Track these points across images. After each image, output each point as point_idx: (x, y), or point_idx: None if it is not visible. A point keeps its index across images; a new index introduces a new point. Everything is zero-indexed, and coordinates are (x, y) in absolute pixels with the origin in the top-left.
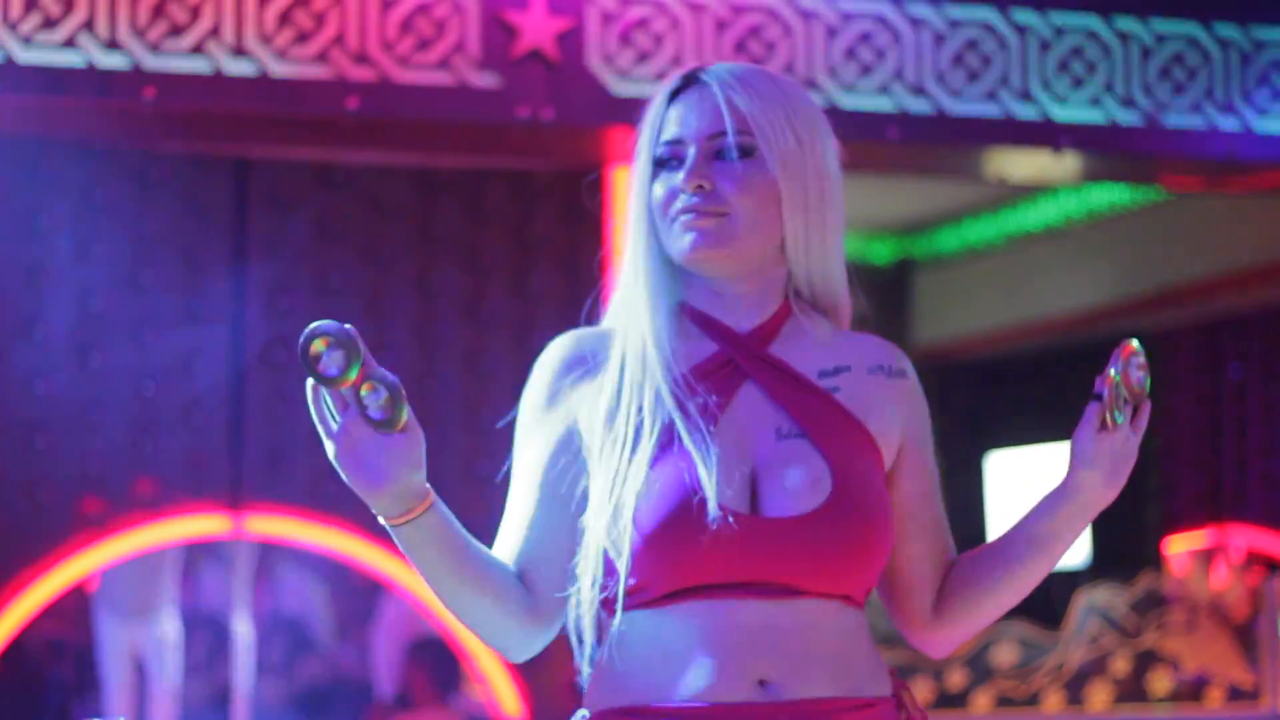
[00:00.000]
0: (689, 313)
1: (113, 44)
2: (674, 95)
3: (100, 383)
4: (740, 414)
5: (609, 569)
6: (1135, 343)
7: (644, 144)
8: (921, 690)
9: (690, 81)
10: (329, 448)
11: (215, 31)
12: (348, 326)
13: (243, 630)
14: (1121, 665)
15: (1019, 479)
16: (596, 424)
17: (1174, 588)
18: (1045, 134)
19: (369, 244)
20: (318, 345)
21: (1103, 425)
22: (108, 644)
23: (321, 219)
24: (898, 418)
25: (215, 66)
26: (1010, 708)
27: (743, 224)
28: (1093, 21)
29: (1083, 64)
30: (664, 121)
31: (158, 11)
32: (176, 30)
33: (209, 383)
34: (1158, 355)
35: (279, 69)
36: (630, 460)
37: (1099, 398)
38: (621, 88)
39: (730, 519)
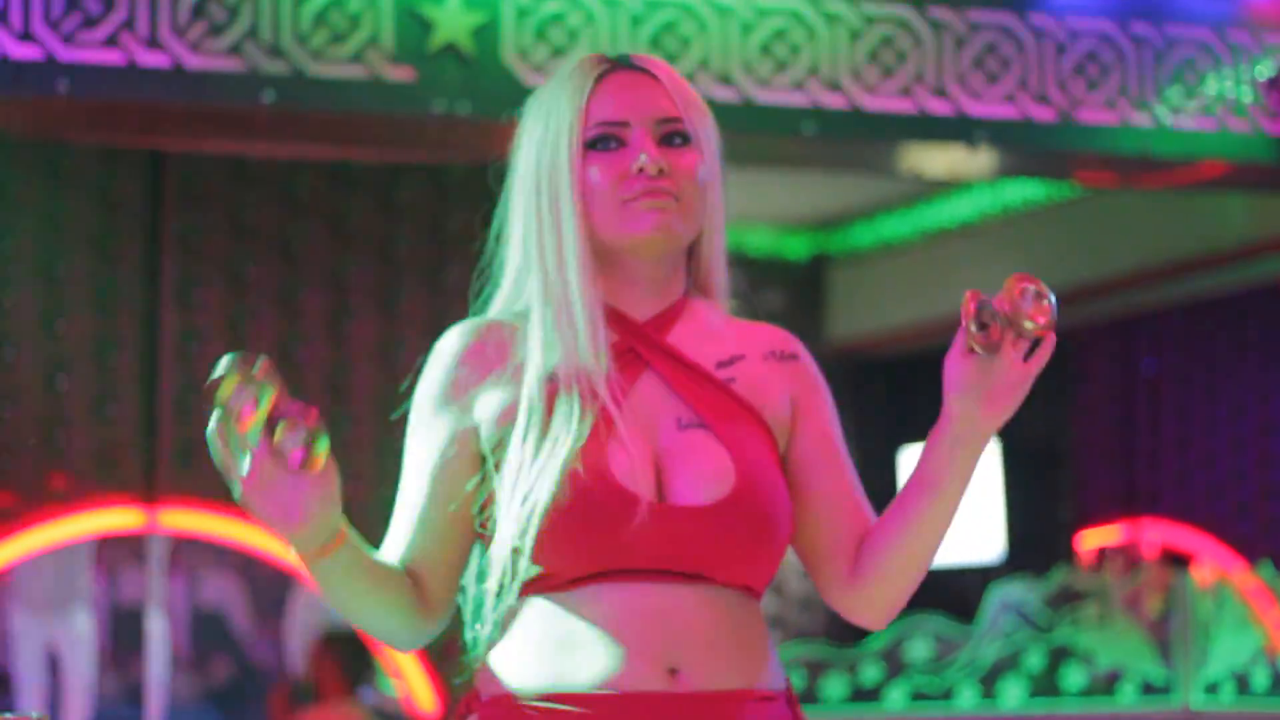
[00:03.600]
0: None
1: (26, 35)
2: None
3: (13, 376)
4: (641, 403)
5: (516, 558)
6: (1032, 280)
7: (567, 125)
8: (835, 684)
9: (613, 66)
10: (236, 488)
11: (129, 24)
12: (261, 359)
13: (156, 624)
14: (1035, 660)
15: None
16: (502, 416)
17: (1087, 582)
18: (960, 130)
19: (282, 237)
20: (229, 384)
21: (970, 350)
22: (22, 639)
23: (235, 212)
24: (790, 400)
25: (129, 59)
26: (924, 702)
27: (689, 209)
28: (1007, 18)
29: (998, 60)
30: (589, 103)
31: (71, 3)
32: (90, 22)
33: (122, 376)
34: (1072, 351)
35: (193, 62)
36: (549, 452)
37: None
38: (537, 82)
39: (642, 507)
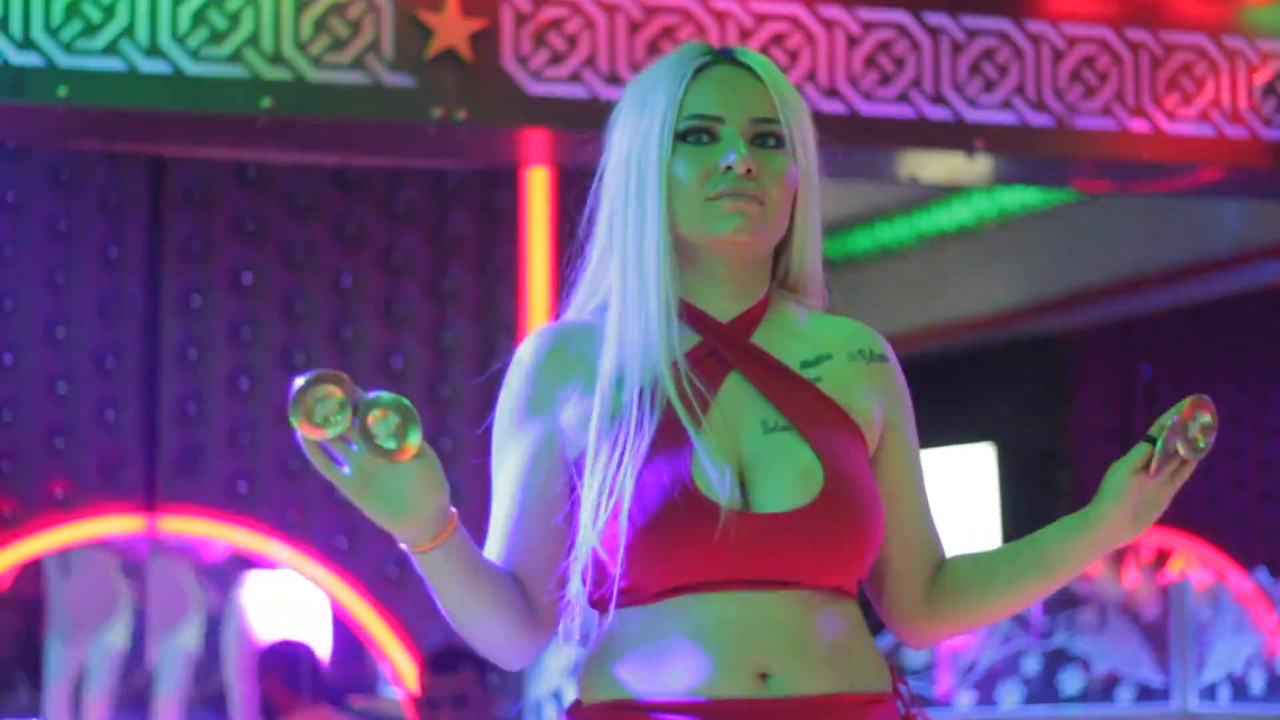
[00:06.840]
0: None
1: (26, 43)
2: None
3: (15, 382)
4: (727, 406)
5: (601, 569)
6: (1206, 401)
7: (660, 113)
8: None
9: (715, 58)
10: (345, 491)
11: (129, 31)
12: (323, 370)
13: (159, 631)
14: (1032, 664)
15: (932, 480)
16: (585, 423)
17: (1084, 587)
18: (958, 136)
19: (284, 243)
20: (309, 400)
21: (1146, 468)
22: (57, 659)
23: (236, 218)
24: (878, 402)
25: (129, 66)
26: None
27: (775, 213)
28: (1005, 24)
29: (995, 66)
30: (686, 93)
31: (71, 11)
32: (90, 30)
33: (124, 382)
34: (1069, 355)
35: (193, 68)
36: (627, 459)
37: (1152, 440)
38: (536, 88)
39: (725, 517)
